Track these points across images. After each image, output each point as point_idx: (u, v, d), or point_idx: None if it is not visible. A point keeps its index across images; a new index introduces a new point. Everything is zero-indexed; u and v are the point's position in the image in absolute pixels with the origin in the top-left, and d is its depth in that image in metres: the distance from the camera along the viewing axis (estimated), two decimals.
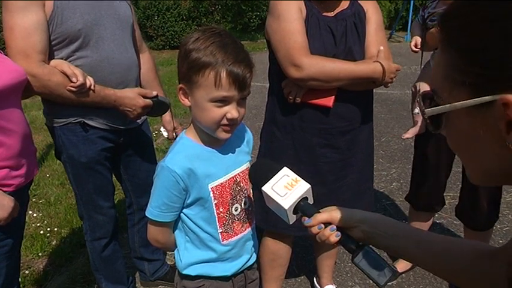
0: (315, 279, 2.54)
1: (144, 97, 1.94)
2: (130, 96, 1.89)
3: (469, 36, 0.57)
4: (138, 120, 2.09)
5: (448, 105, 0.62)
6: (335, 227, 1.00)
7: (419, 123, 2.35)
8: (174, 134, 2.41)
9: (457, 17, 0.60)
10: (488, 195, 2.27)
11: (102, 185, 2.05)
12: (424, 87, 2.28)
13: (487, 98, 0.56)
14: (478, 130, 0.59)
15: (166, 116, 2.36)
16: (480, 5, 0.57)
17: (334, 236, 0.99)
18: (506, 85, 0.54)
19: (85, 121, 1.88)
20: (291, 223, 1.11)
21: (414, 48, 2.45)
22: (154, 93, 2.00)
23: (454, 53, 0.60)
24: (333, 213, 1.02)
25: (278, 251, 2.16)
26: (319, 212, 1.05)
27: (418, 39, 2.39)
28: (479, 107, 0.57)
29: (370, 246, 0.97)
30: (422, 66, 2.51)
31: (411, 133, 2.37)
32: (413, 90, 2.36)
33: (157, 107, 2.02)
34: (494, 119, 0.56)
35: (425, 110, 0.65)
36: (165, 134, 2.45)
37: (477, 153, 0.63)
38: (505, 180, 0.65)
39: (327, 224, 1.02)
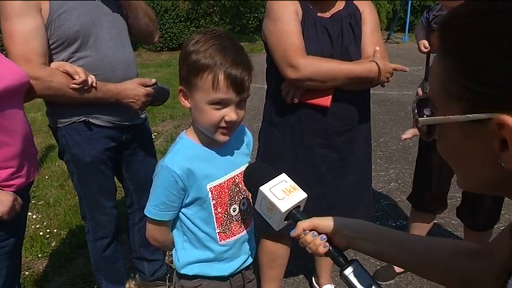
0: (313, 278, 2.56)
1: (145, 86, 1.98)
2: (132, 87, 1.93)
3: (468, 51, 0.55)
4: (141, 115, 2.12)
5: (442, 117, 0.61)
6: (325, 236, 1.02)
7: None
8: None
9: (456, 28, 0.58)
10: (492, 195, 2.26)
11: (105, 184, 2.07)
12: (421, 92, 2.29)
13: (482, 116, 0.55)
14: (471, 144, 0.59)
15: None
16: (482, 19, 0.55)
17: (322, 247, 1.01)
18: (502, 104, 0.53)
19: (89, 120, 1.91)
20: (277, 229, 1.12)
21: (424, 50, 2.45)
22: (153, 80, 2.04)
23: (451, 65, 0.58)
24: (315, 221, 1.04)
25: (277, 251, 2.17)
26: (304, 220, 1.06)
27: (426, 42, 2.40)
28: (473, 122, 0.56)
29: (359, 261, 0.99)
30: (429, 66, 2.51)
31: (410, 134, 2.38)
32: (417, 92, 2.37)
33: (158, 94, 2.05)
34: (487, 136, 0.56)
35: (419, 119, 0.65)
36: None
37: (468, 165, 0.63)
38: (495, 191, 0.65)
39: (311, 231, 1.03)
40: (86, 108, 1.87)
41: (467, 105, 0.57)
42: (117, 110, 1.94)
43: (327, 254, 1.02)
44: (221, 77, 1.15)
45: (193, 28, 11.53)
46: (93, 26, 1.83)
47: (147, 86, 1.99)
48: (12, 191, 1.54)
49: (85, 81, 1.76)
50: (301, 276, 2.70)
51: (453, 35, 0.58)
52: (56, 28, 1.75)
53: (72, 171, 2.04)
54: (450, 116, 0.59)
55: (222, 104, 1.19)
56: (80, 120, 1.90)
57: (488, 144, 0.56)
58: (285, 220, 1.09)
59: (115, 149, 2.06)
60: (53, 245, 3.06)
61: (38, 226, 3.26)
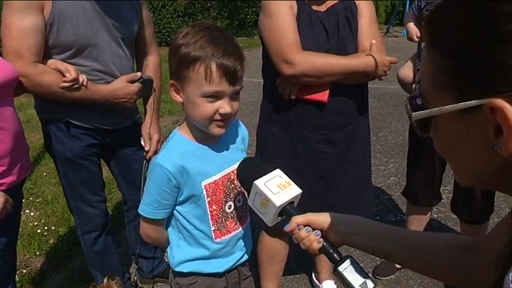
0: (313, 274, 2.55)
1: (132, 82, 1.95)
2: (121, 86, 1.90)
3: (455, 39, 0.56)
4: (137, 116, 2.09)
5: (434, 109, 0.60)
6: (319, 232, 1.01)
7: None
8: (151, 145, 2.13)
9: (442, 18, 0.59)
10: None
11: (89, 179, 2.04)
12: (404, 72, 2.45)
13: (474, 102, 0.54)
14: (466, 134, 0.58)
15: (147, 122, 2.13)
16: (467, 7, 0.55)
17: (316, 243, 0.99)
18: (493, 89, 0.53)
19: (69, 120, 1.89)
20: (270, 225, 1.11)
21: (416, 39, 2.43)
22: (139, 74, 2.01)
23: (440, 56, 0.58)
24: (309, 216, 1.03)
25: (276, 247, 2.16)
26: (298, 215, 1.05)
27: (417, 30, 2.38)
28: (466, 111, 0.56)
29: (353, 257, 0.98)
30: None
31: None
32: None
33: (145, 87, 2.02)
34: (482, 124, 0.55)
35: (412, 114, 0.64)
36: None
37: (465, 158, 0.62)
38: (495, 185, 0.63)
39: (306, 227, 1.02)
40: (66, 109, 1.85)
41: (458, 95, 0.56)
42: (97, 115, 1.91)
43: (320, 250, 1.01)
44: (213, 67, 1.14)
45: (191, 23, 11.46)
46: (92, 38, 1.80)
47: (134, 81, 1.95)
48: (3, 190, 1.53)
49: (75, 80, 1.73)
50: (300, 272, 2.69)
51: (438, 26, 0.59)
52: (53, 32, 1.73)
53: (57, 165, 2.03)
54: (442, 107, 0.59)
55: (215, 96, 1.17)
56: (60, 118, 1.89)
57: (483, 132, 0.56)
58: (278, 216, 1.08)
59: (99, 145, 2.03)
60: (50, 242, 3.05)
61: (35, 223, 3.25)
